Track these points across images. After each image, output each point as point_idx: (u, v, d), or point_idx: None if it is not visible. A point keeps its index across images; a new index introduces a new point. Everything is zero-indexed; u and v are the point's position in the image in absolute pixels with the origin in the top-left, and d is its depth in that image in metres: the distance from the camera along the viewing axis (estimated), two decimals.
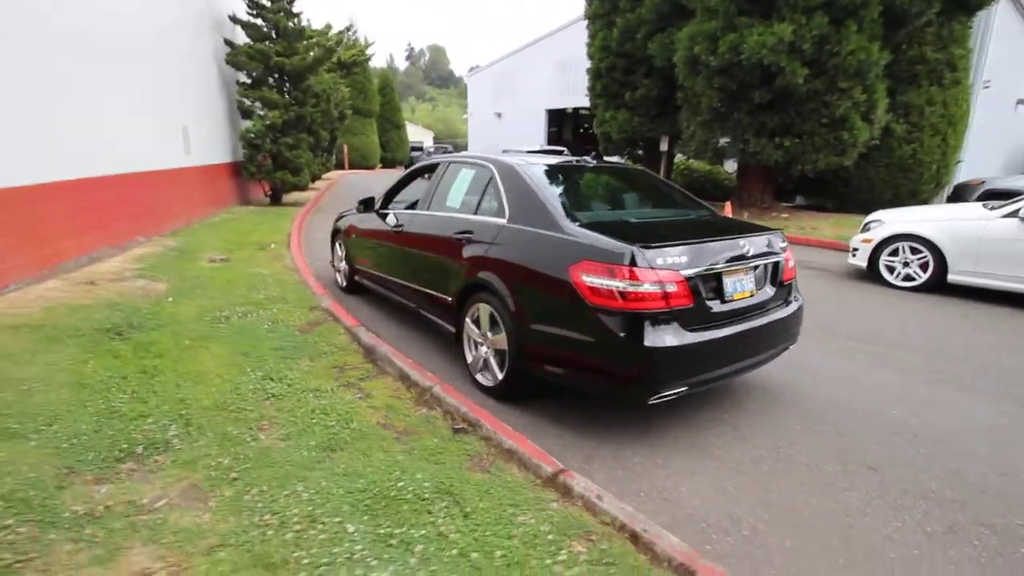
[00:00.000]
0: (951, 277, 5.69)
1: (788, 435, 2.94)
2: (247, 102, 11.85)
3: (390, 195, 4.94)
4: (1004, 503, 2.38)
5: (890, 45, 9.49)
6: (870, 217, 6.67)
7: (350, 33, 11.98)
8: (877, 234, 6.24)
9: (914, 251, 5.93)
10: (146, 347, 3.67)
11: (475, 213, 3.55)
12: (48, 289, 4.90)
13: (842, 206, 11.98)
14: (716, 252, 2.80)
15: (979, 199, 10.27)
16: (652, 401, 2.61)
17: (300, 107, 12.09)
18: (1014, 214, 5.24)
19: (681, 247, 2.68)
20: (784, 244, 3.27)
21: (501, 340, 3.14)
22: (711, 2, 9.47)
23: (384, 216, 4.70)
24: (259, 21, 11.63)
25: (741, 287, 2.90)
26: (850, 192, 11.61)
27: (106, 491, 2.16)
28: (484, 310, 3.27)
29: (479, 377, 3.41)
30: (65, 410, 2.75)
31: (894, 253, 6.11)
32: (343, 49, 11.79)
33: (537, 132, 26.28)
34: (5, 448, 2.39)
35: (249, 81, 11.94)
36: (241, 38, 11.94)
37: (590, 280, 2.60)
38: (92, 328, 3.93)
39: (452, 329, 3.69)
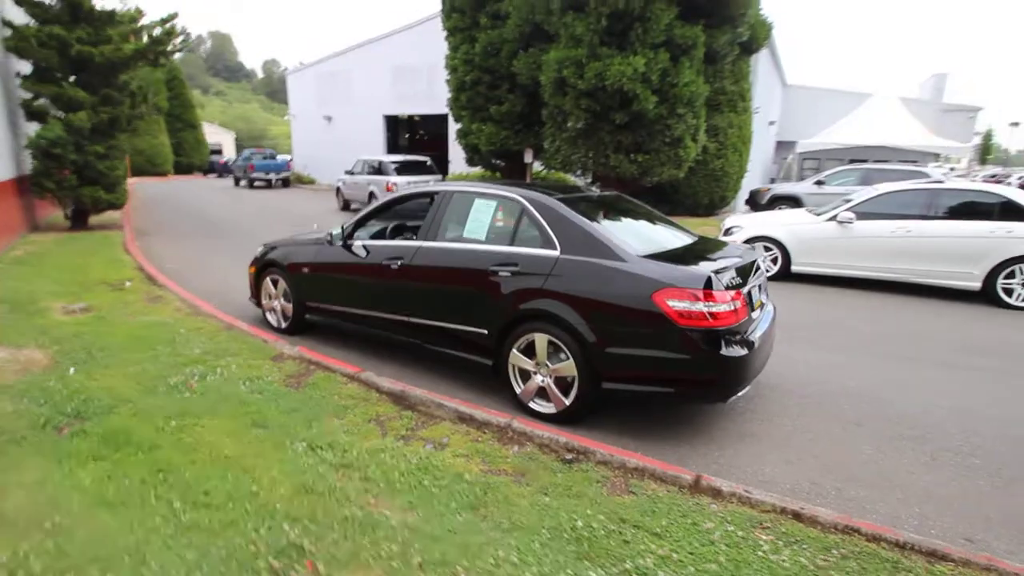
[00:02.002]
0: (794, 268, 7.45)
1: (791, 411, 3.68)
2: (35, 100, 9.25)
3: (355, 228, 4.56)
4: (948, 428, 3.41)
5: (707, 79, 11.73)
6: (729, 223, 8.29)
7: (176, 22, 10.12)
8: (739, 236, 7.80)
9: (767, 248, 7.59)
10: (123, 441, 2.87)
11: (511, 245, 3.60)
12: None
13: (673, 211, 14.34)
14: (747, 269, 3.38)
15: (769, 202, 13.35)
16: (729, 401, 3.08)
17: (113, 107, 9.88)
18: (833, 218, 7.12)
19: (732, 268, 3.19)
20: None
21: (567, 367, 3.28)
22: (576, 31, 10.52)
23: (353, 249, 4.35)
24: None
25: (759, 296, 3.55)
26: (679, 199, 13.96)
27: None
28: (541, 339, 3.36)
29: (534, 405, 3.48)
30: (158, 547, 2.08)
31: None
32: (162, 34, 9.95)
33: (375, 138, 25.37)
34: None
35: (32, 72, 9.32)
36: (16, 16, 9.24)
37: (676, 305, 2.95)
38: (26, 428, 2.89)
39: (487, 361, 3.68)
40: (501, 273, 3.52)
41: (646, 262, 3.15)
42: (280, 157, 28.41)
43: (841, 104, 23.17)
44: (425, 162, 15.32)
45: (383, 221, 4.88)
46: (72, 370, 3.85)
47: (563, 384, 3.36)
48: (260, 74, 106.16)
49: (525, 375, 3.52)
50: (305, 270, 4.78)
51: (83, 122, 9.03)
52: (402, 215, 4.95)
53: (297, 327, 5.02)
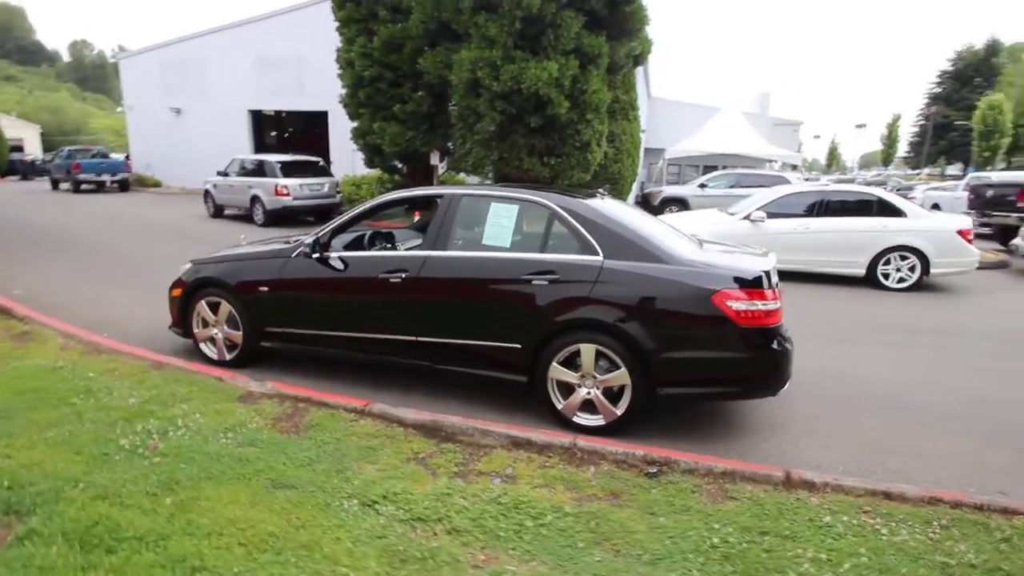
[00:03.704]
0: None
1: (794, 396, 3.97)
2: None
3: (332, 238, 3.95)
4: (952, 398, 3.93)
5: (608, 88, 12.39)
6: None
7: None
8: None
9: None
10: (112, 537, 2.09)
11: (543, 251, 3.36)
12: None
13: None
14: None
15: (661, 204, 14.55)
16: (779, 393, 3.21)
17: None
18: (747, 218, 7.94)
19: (771, 266, 3.33)
20: None
21: (618, 376, 3.16)
22: (490, 32, 10.38)
23: (331, 262, 3.77)
24: None
25: None
26: None
27: None
28: (588, 350, 3.20)
29: (579, 419, 3.30)
30: None
31: None
32: None
33: (239, 135, 22.61)
34: None
35: None
36: None
37: (737, 306, 2.99)
38: None
39: (519, 378, 3.41)
40: (536, 282, 3.27)
41: (697, 263, 3.16)
42: (114, 156, 24.11)
43: (696, 116, 26.17)
44: (317, 162, 14.01)
45: (352, 231, 4.28)
46: None
47: (610, 394, 3.23)
48: (67, 57, 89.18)
49: (566, 389, 3.32)
50: (263, 289, 4.00)
51: None
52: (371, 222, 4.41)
53: (246, 358, 4.20)
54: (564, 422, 3.32)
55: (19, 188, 22.73)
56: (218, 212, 14.04)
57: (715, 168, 23.39)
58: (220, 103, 22.22)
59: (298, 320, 3.98)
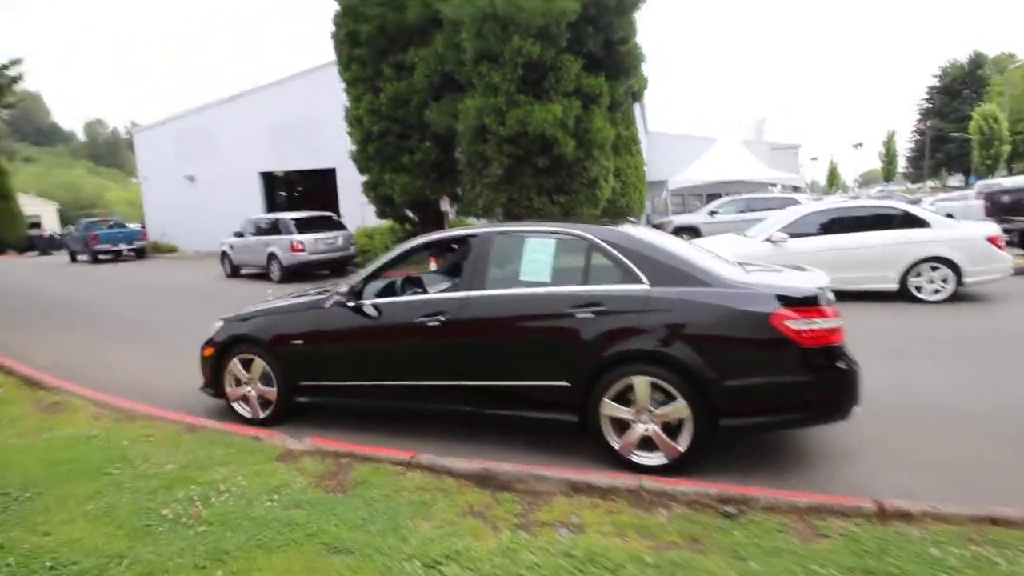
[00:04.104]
0: None
1: (859, 414, 3.76)
2: None
3: (365, 285, 3.90)
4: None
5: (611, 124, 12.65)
6: None
7: (20, 69, 8.36)
8: None
9: None
10: None
11: (586, 283, 3.28)
12: None
13: None
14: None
15: (674, 232, 14.53)
16: (849, 416, 3.03)
17: None
18: (768, 239, 7.86)
19: (825, 283, 3.21)
20: None
21: (676, 409, 3.00)
22: (493, 80, 10.72)
23: (365, 310, 3.70)
24: None
25: None
26: None
27: None
28: (641, 383, 3.05)
29: (637, 458, 3.12)
30: None
31: None
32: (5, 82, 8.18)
33: (251, 197, 23.21)
34: None
35: None
36: None
37: (796, 325, 2.86)
38: None
39: (570, 418, 3.25)
40: (580, 315, 3.17)
41: (748, 284, 3.05)
42: (130, 225, 24.77)
43: (694, 147, 26.56)
44: (330, 217, 14.25)
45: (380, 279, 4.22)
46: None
47: (669, 429, 3.07)
48: (82, 136, 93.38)
49: (620, 426, 3.15)
50: (298, 343, 3.92)
51: None
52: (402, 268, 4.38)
53: (281, 415, 4.08)
54: (621, 462, 3.14)
55: (38, 263, 23.27)
56: (235, 272, 14.20)
57: (718, 195, 23.54)
58: (232, 168, 22.93)
59: (334, 372, 3.87)
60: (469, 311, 3.43)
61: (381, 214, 14.25)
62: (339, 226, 14.12)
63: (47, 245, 30.48)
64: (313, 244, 12.88)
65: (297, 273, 12.81)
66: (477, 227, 3.84)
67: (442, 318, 3.47)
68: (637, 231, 3.55)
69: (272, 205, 24.25)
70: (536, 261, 3.43)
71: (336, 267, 13.72)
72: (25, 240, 31.23)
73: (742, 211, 14.57)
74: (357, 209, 19.36)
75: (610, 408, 3.14)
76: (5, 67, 8.05)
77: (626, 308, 3.10)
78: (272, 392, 4.05)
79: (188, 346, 6.22)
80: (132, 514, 2.69)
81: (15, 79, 8.00)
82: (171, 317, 8.93)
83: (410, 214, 14.55)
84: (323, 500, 2.83)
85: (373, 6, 12.46)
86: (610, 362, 3.10)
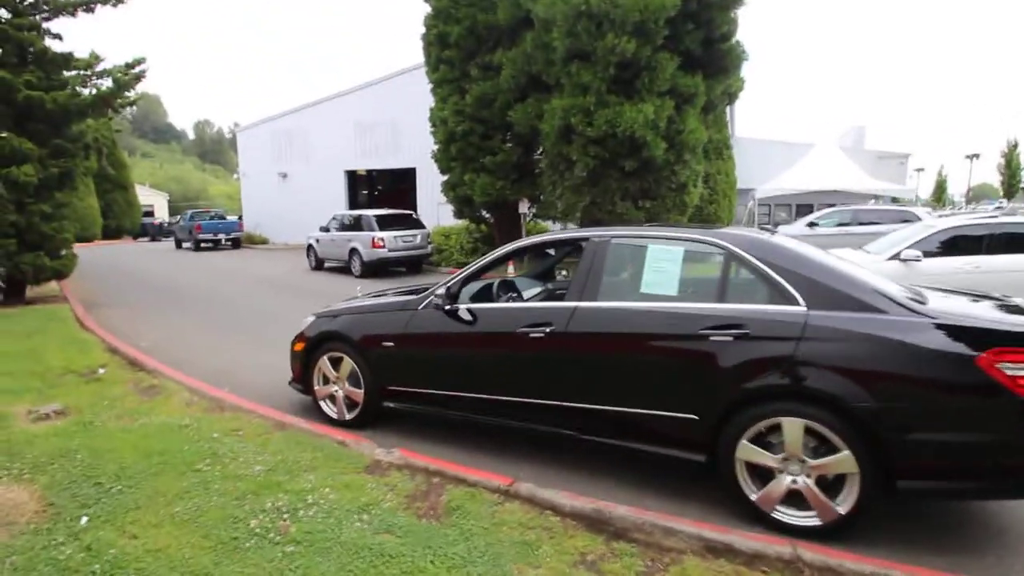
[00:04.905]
0: None
1: None
2: None
3: (462, 287, 3.61)
4: None
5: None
6: None
7: (142, 67, 8.95)
8: None
9: None
10: None
11: (722, 301, 2.80)
12: None
13: None
14: None
15: None
16: None
17: (67, 160, 8.43)
18: (895, 257, 6.88)
19: None
20: None
21: (840, 462, 2.45)
22: (583, 79, 10.31)
23: (460, 315, 3.40)
24: None
25: None
26: None
27: None
28: (793, 425, 2.52)
29: (781, 516, 2.60)
30: None
31: None
32: (130, 79, 8.75)
33: (336, 193, 24.26)
34: None
35: None
36: None
37: (1014, 371, 2.23)
38: None
39: (696, 457, 2.77)
40: (716, 339, 2.69)
41: (941, 313, 2.45)
42: (229, 217, 26.64)
43: (788, 154, 24.69)
44: (410, 215, 14.43)
45: (478, 281, 3.94)
46: (84, 519, 2.56)
47: (826, 484, 2.51)
48: (191, 135, 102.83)
49: (762, 473, 2.64)
50: (388, 344, 3.71)
51: (29, 177, 7.52)
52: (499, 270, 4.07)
53: (367, 418, 3.89)
54: (760, 518, 2.63)
55: (148, 247, 25.55)
56: (319, 265, 14.71)
57: (808, 206, 21.69)
58: (321, 166, 24.08)
59: (425, 378, 3.62)
60: (579, 324, 3.05)
61: (459, 214, 14.22)
62: (418, 224, 14.24)
63: (157, 232, 33.59)
64: (393, 241, 13.04)
65: (377, 269, 13.03)
66: (591, 230, 3.43)
67: (547, 330, 3.10)
68: (785, 240, 3.01)
69: (354, 202, 25.23)
70: (661, 271, 2.98)
71: (413, 264, 13.84)
72: (139, 226, 34.61)
73: (847, 223, 13.20)
74: (433, 208, 19.65)
75: (749, 451, 2.63)
76: (129, 66, 8.58)
77: (776, 334, 2.59)
78: (359, 394, 3.87)
79: (271, 334, 6.36)
80: (219, 521, 2.54)
81: (138, 76, 8.51)
82: (258, 305, 9.25)
83: (486, 215, 14.44)
84: (416, 528, 2.54)
85: (464, 7, 12.45)
86: (753, 397, 2.61)
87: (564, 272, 5.01)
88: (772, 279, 2.70)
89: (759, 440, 2.62)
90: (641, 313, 2.93)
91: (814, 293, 2.61)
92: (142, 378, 5.05)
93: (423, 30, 13.46)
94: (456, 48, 12.71)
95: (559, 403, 3.12)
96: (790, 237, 3.30)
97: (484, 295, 3.83)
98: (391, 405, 3.79)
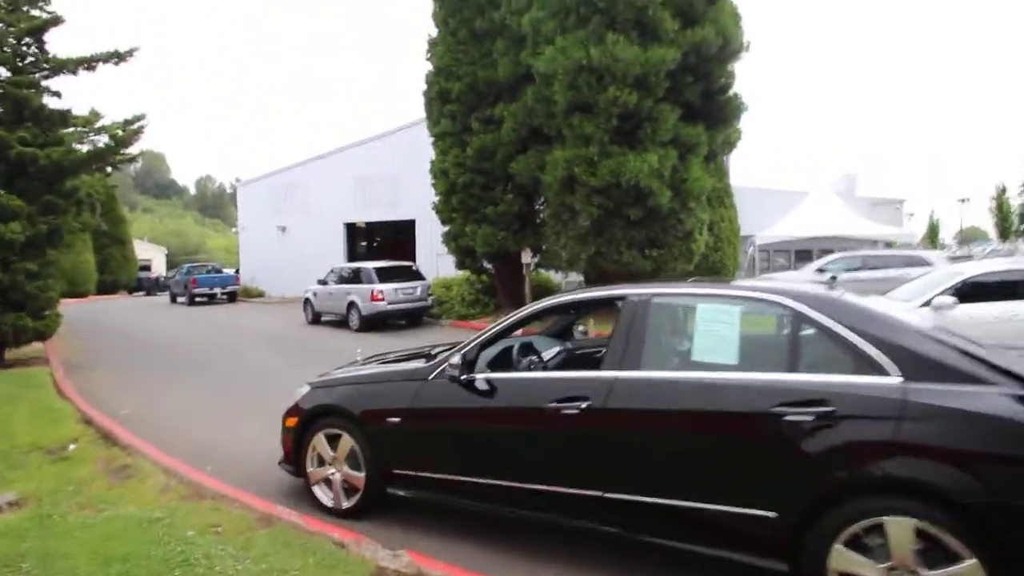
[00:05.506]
0: None
1: None
2: None
3: (479, 353, 3.18)
4: None
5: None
6: None
7: (141, 123, 8.86)
8: None
9: None
10: None
11: (793, 371, 2.37)
12: None
13: None
14: None
15: None
16: None
17: (57, 217, 8.14)
18: (926, 304, 6.52)
19: None
20: None
21: (965, 574, 1.95)
22: (585, 130, 10.29)
23: (476, 386, 2.95)
24: None
25: None
26: None
27: None
28: (900, 527, 2.05)
29: None
30: None
31: None
32: (128, 134, 8.62)
33: (335, 246, 24.13)
34: None
35: None
36: None
37: None
38: None
39: (778, 565, 2.27)
40: (792, 418, 2.25)
41: None
42: (226, 270, 26.40)
43: (784, 201, 24.93)
44: (410, 267, 14.15)
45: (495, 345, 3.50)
46: None
47: None
48: (193, 191, 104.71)
49: None
50: (393, 420, 3.23)
51: (15, 234, 7.19)
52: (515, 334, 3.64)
53: (368, 506, 3.36)
54: None
55: (143, 302, 25.14)
56: (316, 319, 14.27)
57: (808, 252, 21.64)
58: (320, 219, 24.08)
59: (436, 461, 3.14)
60: (620, 398, 2.61)
61: (461, 264, 13.96)
62: (418, 276, 13.92)
63: (153, 286, 33.27)
64: (393, 294, 12.66)
65: (375, 323, 12.58)
66: (628, 286, 3.04)
67: (583, 405, 2.65)
68: (860, 298, 2.62)
69: (353, 254, 25.08)
70: (715, 335, 2.57)
71: (414, 317, 13.42)
72: (135, 281, 34.30)
73: (856, 268, 12.96)
74: (432, 260, 19.45)
75: (843, 559, 2.14)
76: (128, 122, 8.48)
77: (867, 412, 2.16)
78: (359, 478, 3.36)
79: (263, 398, 5.83)
80: None
81: (137, 132, 8.39)
82: (251, 363, 8.74)
83: (488, 265, 14.17)
84: None
85: (465, 65, 12.68)
86: (846, 490, 2.14)
87: (582, 328, 4.59)
88: (855, 345, 2.29)
89: (854, 543, 2.13)
90: (695, 385, 2.50)
91: (910, 361, 2.19)
92: (115, 455, 4.50)
93: (424, 87, 13.66)
94: (457, 103, 12.84)
95: (598, 493, 2.63)
96: (854, 293, 2.91)
97: (502, 360, 3.39)
98: (396, 491, 3.27)
